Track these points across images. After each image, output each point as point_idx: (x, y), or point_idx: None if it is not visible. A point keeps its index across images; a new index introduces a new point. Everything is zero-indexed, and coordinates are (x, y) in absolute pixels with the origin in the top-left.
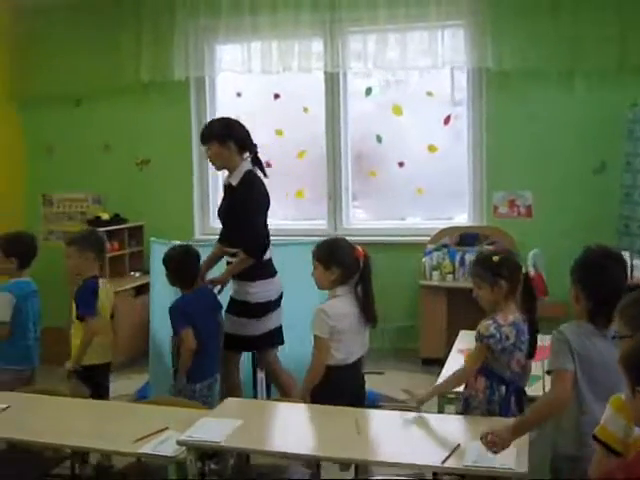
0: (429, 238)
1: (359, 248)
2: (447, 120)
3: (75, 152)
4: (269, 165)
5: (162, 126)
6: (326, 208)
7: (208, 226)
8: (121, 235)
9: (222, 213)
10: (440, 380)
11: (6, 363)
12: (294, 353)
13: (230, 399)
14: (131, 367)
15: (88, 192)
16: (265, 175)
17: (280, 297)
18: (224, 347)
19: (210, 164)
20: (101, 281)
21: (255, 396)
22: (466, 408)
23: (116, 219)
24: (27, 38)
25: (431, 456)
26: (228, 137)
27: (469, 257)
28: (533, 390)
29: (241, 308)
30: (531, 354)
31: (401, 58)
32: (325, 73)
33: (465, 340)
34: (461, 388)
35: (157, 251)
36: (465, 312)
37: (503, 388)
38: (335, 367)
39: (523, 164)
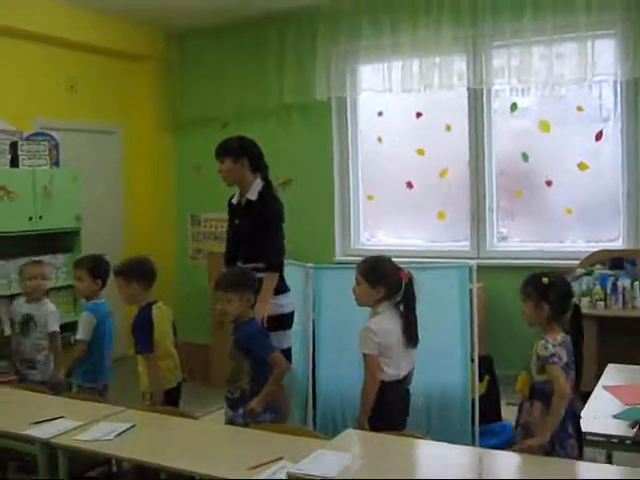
0: (578, 262)
1: (404, 269)
2: (599, 136)
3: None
4: (410, 185)
5: (304, 146)
6: (469, 229)
7: (349, 247)
8: None
9: (242, 230)
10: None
11: (84, 381)
12: (439, 379)
13: (350, 430)
14: None
15: None
16: None
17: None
18: None
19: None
20: (155, 307)
21: None
22: (525, 436)
23: None
24: (178, 64)
25: None
26: (243, 154)
27: (622, 283)
28: None
29: (277, 322)
30: (576, 389)
31: (547, 72)
32: (468, 90)
33: (613, 375)
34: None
35: (292, 273)
36: (617, 343)
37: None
38: (389, 383)
39: None
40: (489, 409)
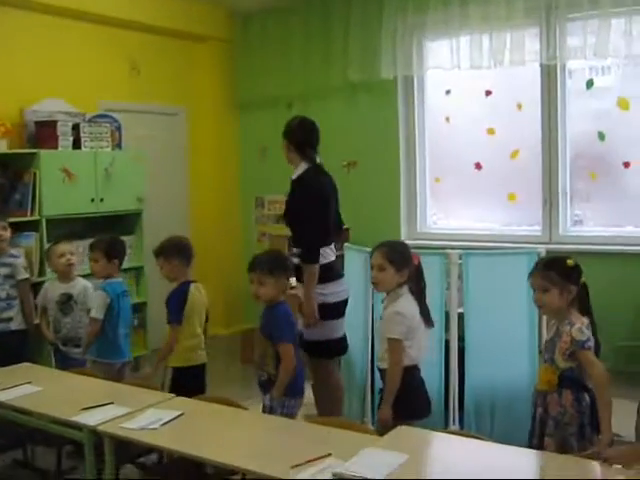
0: None
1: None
2: None
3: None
4: (479, 166)
5: (369, 127)
6: (541, 213)
7: (415, 231)
8: None
9: (283, 210)
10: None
11: (98, 356)
12: (504, 373)
13: (403, 427)
14: None
15: None
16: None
17: (347, 302)
18: (316, 356)
19: None
20: (194, 286)
21: None
22: (556, 428)
23: None
24: (242, 44)
25: None
26: (288, 136)
27: None
28: None
29: (323, 311)
30: None
31: (627, 47)
32: (541, 66)
33: None
34: None
35: (352, 258)
36: None
37: (586, 396)
38: (412, 367)
39: None
40: None
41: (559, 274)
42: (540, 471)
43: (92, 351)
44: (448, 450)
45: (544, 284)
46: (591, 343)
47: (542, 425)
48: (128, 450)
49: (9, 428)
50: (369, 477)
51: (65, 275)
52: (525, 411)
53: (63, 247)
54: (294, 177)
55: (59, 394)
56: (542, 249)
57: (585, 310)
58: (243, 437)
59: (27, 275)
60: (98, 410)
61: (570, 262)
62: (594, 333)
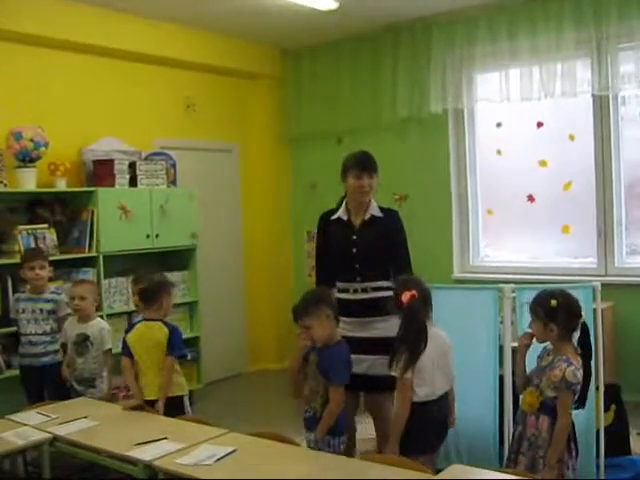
0: None
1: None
2: None
3: (335, 189)
4: (532, 198)
5: (420, 160)
6: (595, 245)
7: (467, 264)
8: None
9: (371, 246)
10: None
11: None
12: None
13: (457, 466)
14: None
15: None
16: None
17: None
18: (379, 391)
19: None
20: (136, 327)
21: None
22: (529, 448)
23: None
24: (293, 81)
25: None
26: (377, 171)
27: None
28: None
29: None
30: (581, 404)
31: None
32: (593, 96)
33: None
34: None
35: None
36: None
37: None
38: (420, 404)
39: None
40: (616, 441)
41: (543, 311)
42: None
43: None
44: None
45: (533, 316)
46: (578, 387)
47: (519, 443)
48: None
49: (65, 460)
50: None
51: (78, 315)
52: (583, 447)
53: (75, 290)
54: (375, 211)
55: (114, 429)
56: (597, 282)
57: (584, 350)
58: (297, 474)
59: (69, 311)
60: (152, 445)
61: (553, 303)
62: (587, 375)
